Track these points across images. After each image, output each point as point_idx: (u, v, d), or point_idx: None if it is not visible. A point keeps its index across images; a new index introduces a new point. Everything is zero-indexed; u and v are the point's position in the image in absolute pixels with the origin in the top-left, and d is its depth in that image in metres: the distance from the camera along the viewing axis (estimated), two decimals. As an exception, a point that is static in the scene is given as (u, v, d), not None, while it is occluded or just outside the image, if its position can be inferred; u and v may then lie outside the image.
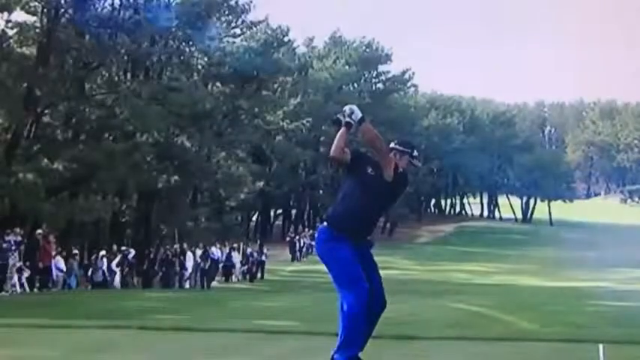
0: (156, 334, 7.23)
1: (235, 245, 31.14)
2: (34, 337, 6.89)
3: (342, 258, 4.75)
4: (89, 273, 23.36)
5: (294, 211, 62.64)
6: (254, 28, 38.65)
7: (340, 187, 5.22)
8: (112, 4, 28.88)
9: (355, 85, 61.81)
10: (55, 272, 20.57)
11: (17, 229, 18.86)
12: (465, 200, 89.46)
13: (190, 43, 32.63)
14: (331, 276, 4.80)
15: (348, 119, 4.87)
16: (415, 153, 5.08)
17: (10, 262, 17.66)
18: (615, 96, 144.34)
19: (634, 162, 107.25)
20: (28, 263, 19.25)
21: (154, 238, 32.81)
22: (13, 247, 17.81)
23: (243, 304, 15.02)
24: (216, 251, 28.38)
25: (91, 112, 29.55)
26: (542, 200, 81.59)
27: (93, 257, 24.84)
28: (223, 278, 28.91)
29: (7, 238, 17.89)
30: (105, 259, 23.28)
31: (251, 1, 35.82)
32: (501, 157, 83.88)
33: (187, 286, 25.75)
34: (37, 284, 19.62)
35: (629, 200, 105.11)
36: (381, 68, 64.58)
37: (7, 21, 25.77)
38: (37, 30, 26.74)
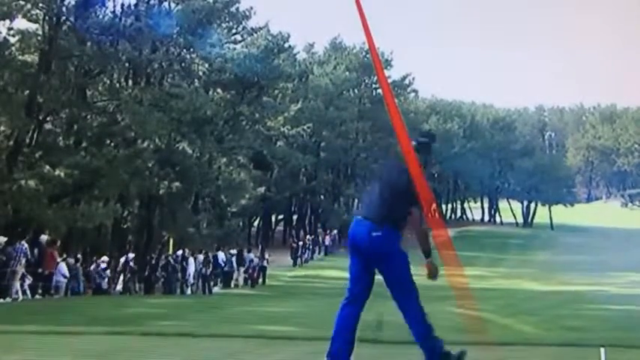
0: (158, 339, 7.25)
1: (237, 251, 31.18)
2: (38, 344, 6.91)
3: None
4: (91, 279, 23.39)
5: (295, 217, 62.67)
6: (254, 35, 38.80)
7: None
8: (114, 11, 29.10)
9: (356, 90, 61.93)
10: (58, 278, 20.56)
11: (26, 236, 18.88)
12: (465, 205, 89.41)
13: (191, 49, 32.77)
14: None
15: None
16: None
17: (16, 268, 17.65)
18: (615, 100, 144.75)
19: (634, 166, 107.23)
20: (37, 270, 19.23)
21: (155, 244, 32.87)
22: (20, 254, 17.79)
23: (245, 310, 15.04)
24: (218, 256, 28.43)
25: (92, 119, 29.70)
26: (542, 204, 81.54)
27: (94, 264, 24.86)
28: (225, 284, 28.93)
29: (15, 246, 17.91)
30: (106, 265, 23.31)
31: (251, 8, 36.04)
32: (502, 162, 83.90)
33: (189, 292, 25.78)
34: (40, 290, 19.62)
35: (629, 204, 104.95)
36: (382, 74, 64.68)
37: (9, 28, 25.98)
38: (39, 37, 26.90)
